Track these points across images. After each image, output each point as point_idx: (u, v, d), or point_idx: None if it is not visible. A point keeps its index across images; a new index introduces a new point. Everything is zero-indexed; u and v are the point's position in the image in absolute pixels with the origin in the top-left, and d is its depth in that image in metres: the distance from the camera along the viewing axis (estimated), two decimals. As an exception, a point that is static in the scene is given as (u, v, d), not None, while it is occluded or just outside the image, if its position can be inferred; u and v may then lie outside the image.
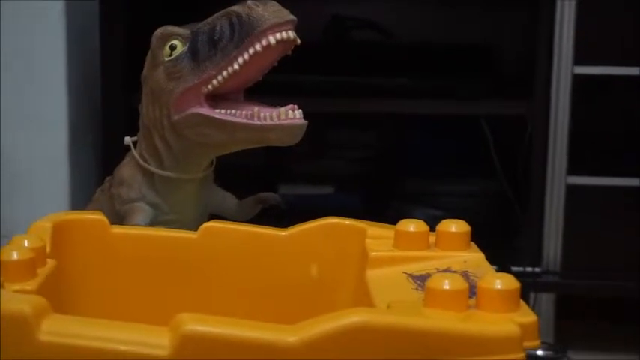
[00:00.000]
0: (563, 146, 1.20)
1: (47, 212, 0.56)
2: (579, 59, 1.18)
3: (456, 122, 1.41)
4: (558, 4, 1.17)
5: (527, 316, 0.41)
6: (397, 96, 1.27)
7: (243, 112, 0.64)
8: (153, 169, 0.70)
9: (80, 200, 1.24)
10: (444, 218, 0.53)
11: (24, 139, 1.24)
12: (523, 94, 1.24)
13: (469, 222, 0.53)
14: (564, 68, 1.18)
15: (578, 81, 1.18)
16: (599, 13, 1.18)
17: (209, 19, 0.66)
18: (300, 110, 0.64)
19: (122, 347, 0.38)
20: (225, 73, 0.64)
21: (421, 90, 1.28)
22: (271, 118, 0.63)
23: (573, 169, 1.20)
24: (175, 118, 0.67)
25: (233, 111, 0.65)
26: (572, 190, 1.20)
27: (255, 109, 0.64)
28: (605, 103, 1.21)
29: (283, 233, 0.56)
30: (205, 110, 0.65)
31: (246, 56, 0.63)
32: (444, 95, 1.26)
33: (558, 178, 1.20)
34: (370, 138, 1.55)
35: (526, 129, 1.27)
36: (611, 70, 1.19)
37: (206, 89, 0.65)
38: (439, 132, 1.46)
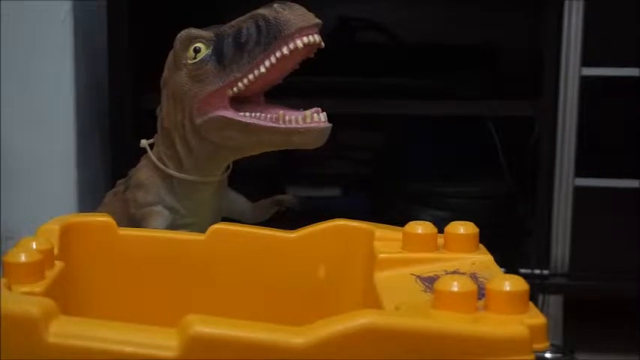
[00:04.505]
0: (571, 148, 1.19)
1: (54, 214, 0.56)
2: (587, 61, 1.18)
3: (462, 123, 1.40)
4: (566, 5, 1.16)
5: (536, 318, 0.41)
6: (405, 97, 1.26)
7: (269, 116, 0.64)
8: (172, 172, 0.69)
9: (88, 202, 1.24)
10: (452, 220, 0.53)
11: (31, 141, 1.24)
12: (530, 95, 1.24)
13: (477, 224, 0.53)
14: (572, 70, 1.18)
15: (586, 82, 1.18)
16: (607, 14, 1.17)
17: (234, 22, 0.65)
18: (324, 113, 0.63)
19: (130, 349, 0.38)
20: (251, 76, 0.64)
21: (428, 91, 1.27)
22: (297, 121, 0.63)
23: (581, 170, 1.19)
24: (198, 121, 0.66)
25: (258, 114, 0.64)
26: (580, 192, 1.19)
27: (280, 112, 0.64)
28: (613, 104, 1.21)
29: (291, 235, 0.56)
30: (230, 113, 0.65)
31: (273, 59, 0.63)
32: (451, 96, 1.26)
33: (566, 179, 1.20)
34: (377, 139, 1.55)
35: (533, 130, 1.27)
36: (620, 71, 1.18)
37: (231, 92, 0.65)
38: (446, 133, 1.46)
